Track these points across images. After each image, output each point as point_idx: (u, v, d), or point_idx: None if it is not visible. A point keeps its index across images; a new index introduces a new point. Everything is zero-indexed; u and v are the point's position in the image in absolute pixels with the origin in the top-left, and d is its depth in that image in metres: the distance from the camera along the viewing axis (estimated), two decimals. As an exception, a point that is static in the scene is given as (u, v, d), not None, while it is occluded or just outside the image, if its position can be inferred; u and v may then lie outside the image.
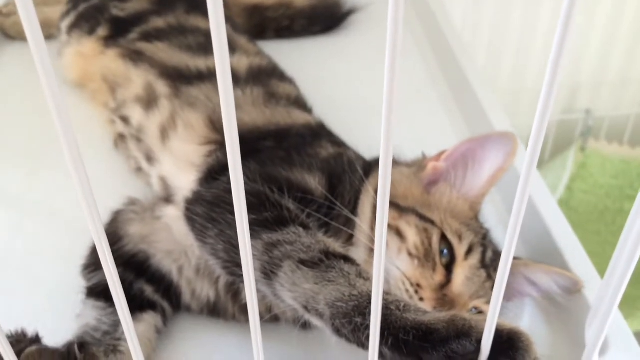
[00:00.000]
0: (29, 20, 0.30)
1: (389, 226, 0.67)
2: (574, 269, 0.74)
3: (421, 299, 0.62)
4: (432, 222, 0.67)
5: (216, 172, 0.71)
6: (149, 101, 0.89)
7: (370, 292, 0.51)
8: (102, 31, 1.10)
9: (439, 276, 0.64)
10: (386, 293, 0.53)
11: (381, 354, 0.50)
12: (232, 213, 0.62)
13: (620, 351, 0.65)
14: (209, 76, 0.90)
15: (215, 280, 0.72)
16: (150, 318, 0.70)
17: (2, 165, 1.01)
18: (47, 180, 0.97)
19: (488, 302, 0.68)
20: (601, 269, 1.80)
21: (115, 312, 0.69)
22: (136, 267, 0.73)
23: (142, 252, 0.74)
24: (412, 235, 0.65)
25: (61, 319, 0.72)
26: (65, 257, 0.79)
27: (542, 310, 0.77)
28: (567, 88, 1.88)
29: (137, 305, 0.70)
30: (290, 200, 0.65)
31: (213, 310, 0.73)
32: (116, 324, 0.68)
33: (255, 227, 0.60)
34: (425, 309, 0.52)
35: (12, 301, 0.78)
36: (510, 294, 0.75)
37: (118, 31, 1.08)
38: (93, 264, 0.74)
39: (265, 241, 0.59)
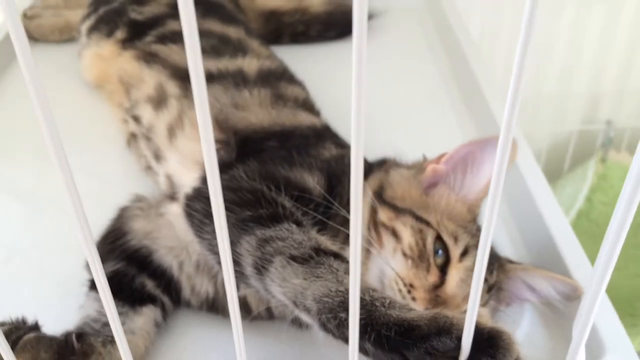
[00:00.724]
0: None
1: (385, 226, 0.68)
2: (574, 275, 0.74)
3: (413, 299, 0.62)
4: (427, 223, 0.67)
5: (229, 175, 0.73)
6: (159, 101, 0.91)
7: (361, 289, 0.52)
8: (120, 34, 1.12)
9: (433, 277, 0.64)
10: (373, 290, 0.53)
11: (365, 350, 0.50)
12: (230, 210, 0.64)
13: (616, 355, 0.64)
14: (218, 77, 0.92)
15: (214, 276, 0.73)
16: (149, 312, 0.71)
17: (19, 162, 1.04)
18: (57, 178, 0.99)
19: (484, 305, 0.67)
20: (623, 284, 1.76)
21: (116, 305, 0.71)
22: (139, 262, 0.75)
23: (145, 247, 0.75)
24: (407, 235, 0.66)
25: (67, 311, 0.74)
26: (73, 251, 0.80)
27: (542, 316, 0.76)
28: (588, 98, 1.86)
29: (138, 298, 0.72)
30: (286, 198, 0.66)
31: (212, 306, 0.74)
32: (116, 316, 0.69)
33: (250, 223, 0.61)
34: (412, 307, 0.52)
35: (19, 292, 0.81)
36: (509, 299, 0.74)
37: (135, 34, 1.10)
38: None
39: (259, 237, 0.60)
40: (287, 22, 1.34)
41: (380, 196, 0.71)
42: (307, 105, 0.94)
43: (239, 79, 0.91)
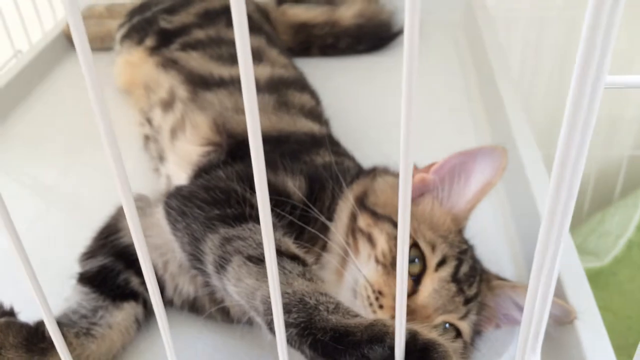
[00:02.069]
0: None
1: (362, 232, 0.66)
2: (570, 297, 0.69)
3: (381, 307, 0.60)
4: None
5: (204, 172, 0.73)
6: (167, 104, 0.93)
7: (308, 292, 0.51)
8: (149, 41, 1.16)
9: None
10: (323, 294, 0.52)
11: (305, 353, 0.49)
12: (200, 208, 0.64)
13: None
14: (228, 83, 0.93)
15: (195, 276, 0.73)
16: (130, 308, 0.72)
17: (43, 158, 1.09)
18: (78, 176, 1.03)
19: (462, 318, 0.64)
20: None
21: (96, 298, 0.72)
22: (127, 259, 0.76)
23: (133, 244, 0.76)
24: (382, 242, 0.64)
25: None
26: (79, 247, 0.83)
27: (535, 340, 0.71)
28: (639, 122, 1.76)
29: (120, 294, 0.73)
30: None
31: (193, 306, 0.74)
32: (95, 309, 0.70)
33: (216, 221, 0.61)
34: (357, 314, 0.50)
35: (21, 282, 0.83)
36: (497, 319, 0.71)
37: (163, 42, 1.14)
38: (89, 252, 0.77)
39: (222, 235, 0.59)
40: (317, 34, 1.35)
41: (362, 202, 0.69)
42: (313, 114, 0.93)
43: None
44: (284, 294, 0.51)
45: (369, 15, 1.37)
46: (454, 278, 0.63)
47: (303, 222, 0.67)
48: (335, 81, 1.29)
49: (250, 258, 0.56)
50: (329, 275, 0.67)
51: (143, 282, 0.75)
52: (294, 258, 0.56)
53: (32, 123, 1.20)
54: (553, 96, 1.72)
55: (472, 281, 0.65)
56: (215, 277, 0.59)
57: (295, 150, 0.79)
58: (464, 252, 0.66)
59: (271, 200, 0.66)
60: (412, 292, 0.62)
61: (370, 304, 0.61)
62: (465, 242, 0.69)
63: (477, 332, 0.69)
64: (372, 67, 1.35)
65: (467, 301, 0.64)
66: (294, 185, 0.69)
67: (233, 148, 0.79)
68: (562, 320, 0.67)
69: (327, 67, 1.34)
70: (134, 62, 1.17)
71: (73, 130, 1.16)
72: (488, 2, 1.46)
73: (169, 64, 1.03)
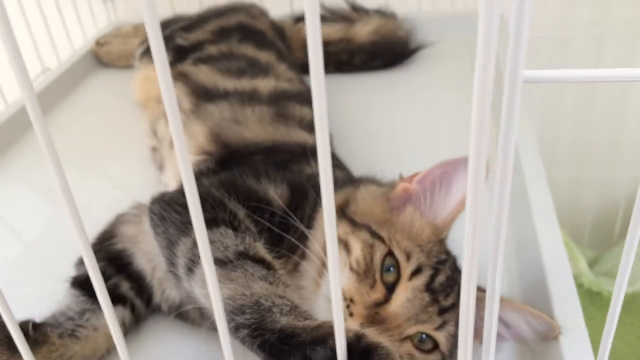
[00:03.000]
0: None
1: (340, 240, 0.66)
2: (557, 312, 0.67)
3: (351, 315, 0.60)
4: (380, 239, 0.64)
5: None
6: (170, 115, 0.95)
7: (266, 294, 0.51)
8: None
9: (377, 294, 0.62)
10: (280, 297, 0.52)
11: (257, 354, 0.49)
12: (178, 213, 0.66)
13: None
14: (230, 95, 0.95)
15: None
16: (117, 311, 0.74)
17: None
18: (88, 185, 1.07)
19: (438, 329, 0.63)
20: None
21: (85, 301, 0.74)
22: (119, 264, 0.77)
23: (127, 250, 0.78)
24: (357, 250, 0.64)
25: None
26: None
27: (520, 358, 0.69)
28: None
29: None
30: (239, 205, 0.66)
31: (179, 313, 0.75)
32: (83, 312, 0.72)
33: (190, 225, 0.62)
34: (311, 317, 0.50)
35: (27, 285, 0.86)
36: (480, 333, 0.69)
37: (178, 57, 1.18)
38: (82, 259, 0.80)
39: (193, 239, 0.60)
40: (332, 51, 1.36)
41: (343, 211, 0.69)
42: (312, 126, 0.94)
43: (249, 97, 0.94)
44: (241, 295, 0.52)
45: (385, 32, 1.38)
46: (428, 287, 0.62)
47: (283, 229, 0.67)
48: (350, 97, 1.30)
49: (216, 261, 0.57)
50: (306, 282, 0.67)
51: (132, 287, 0.77)
52: (260, 262, 0.57)
53: (54, 135, 1.24)
54: (578, 113, 1.68)
55: (449, 291, 0.64)
56: (185, 280, 0.60)
57: (286, 159, 0.79)
58: (442, 262, 0.65)
59: (250, 206, 0.67)
60: (385, 300, 0.62)
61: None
62: (447, 252, 0.68)
63: (458, 345, 0.68)
64: (386, 84, 1.35)
65: (442, 311, 0.63)
66: (276, 193, 0.70)
67: (225, 157, 0.80)
68: (545, 335, 0.65)
69: (341, 84, 1.35)
70: (150, 77, 1.20)
71: (90, 144, 1.20)
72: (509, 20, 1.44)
73: (179, 77, 1.06)
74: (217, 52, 1.14)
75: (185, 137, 0.84)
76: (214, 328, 0.64)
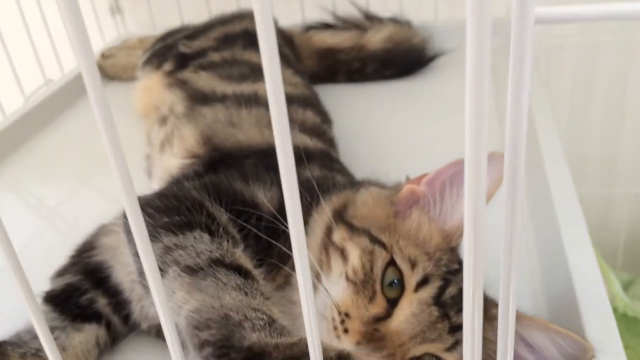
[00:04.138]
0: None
1: (336, 246, 0.58)
2: (589, 333, 0.58)
3: (345, 331, 0.51)
4: (382, 245, 0.56)
5: (174, 182, 0.68)
6: (164, 119, 0.89)
7: (237, 306, 0.44)
8: (167, 66, 1.15)
9: (377, 307, 0.53)
10: (255, 310, 0.44)
11: None
12: (150, 217, 0.58)
13: None
14: (228, 99, 0.89)
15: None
16: (91, 330, 0.66)
17: (53, 180, 1.07)
18: (82, 200, 1.01)
19: (449, 350, 0.54)
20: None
21: (55, 318, 0.67)
22: (96, 277, 0.70)
23: (106, 262, 0.71)
24: (354, 257, 0.55)
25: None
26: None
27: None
28: None
29: (81, 315, 0.67)
30: (222, 209, 0.59)
31: (160, 331, 0.67)
32: (51, 329, 0.64)
33: (161, 230, 0.55)
34: (289, 333, 0.42)
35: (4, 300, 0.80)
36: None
37: (180, 65, 1.12)
38: (60, 270, 0.73)
39: (164, 244, 0.53)
40: (343, 59, 1.29)
41: (340, 216, 0.61)
42: (314, 130, 0.87)
43: (246, 100, 0.87)
44: (209, 307, 0.44)
45: (399, 39, 1.31)
46: (437, 301, 0.54)
47: (273, 237, 0.60)
48: (361, 107, 1.23)
49: (186, 269, 0.49)
50: (299, 297, 0.58)
51: (110, 303, 0.69)
52: (236, 270, 0.49)
53: (51, 147, 1.20)
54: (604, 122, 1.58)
55: (461, 307, 0.55)
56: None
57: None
58: (453, 272, 0.57)
59: (235, 210, 0.60)
60: (386, 315, 0.53)
61: (335, 328, 0.52)
62: (459, 261, 0.59)
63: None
64: (400, 93, 1.28)
65: (453, 329, 0.54)
66: (265, 197, 0.62)
67: (215, 161, 0.73)
68: (577, 359, 0.55)
69: (353, 93, 1.28)
70: (150, 87, 1.15)
71: (89, 156, 1.15)
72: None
73: (177, 84, 1.01)
74: (219, 59, 1.09)
75: (176, 140, 0.77)
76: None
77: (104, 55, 1.44)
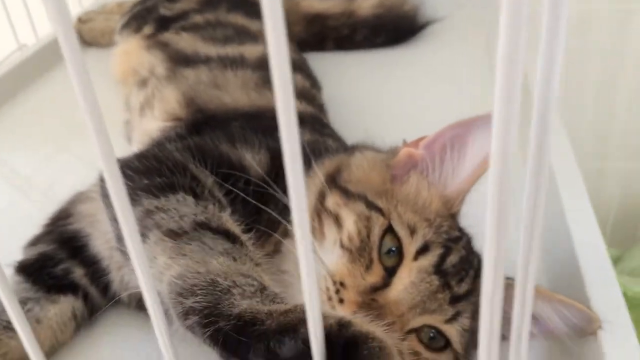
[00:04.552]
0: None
1: (329, 212, 0.54)
2: (594, 303, 0.55)
3: (341, 301, 0.48)
4: (379, 210, 0.52)
5: (155, 144, 0.63)
6: (144, 82, 0.84)
7: (225, 272, 0.40)
8: (147, 29, 1.09)
9: (374, 276, 0.50)
10: (245, 276, 0.41)
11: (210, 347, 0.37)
12: (130, 179, 0.54)
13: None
14: (212, 61, 0.84)
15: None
16: (67, 302, 0.62)
17: (26, 148, 1.02)
18: (59, 167, 0.96)
19: (449, 322, 0.51)
20: None
21: (27, 289, 0.63)
22: (72, 246, 0.66)
23: (82, 230, 0.67)
24: (349, 223, 0.52)
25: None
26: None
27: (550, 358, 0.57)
28: None
29: (57, 285, 0.63)
30: (207, 172, 0.55)
31: (141, 303, 0.63)
32: (24, 301, 0.60)
33: (141, 192, 0.51)
34: (281, 299, 0.38)
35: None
36: (503, 330, 0.56)
37: (160, 28, 1.07)
38: (34, 239, 0.68)
39: (145, 207, 0.49)
40: (332, 25, 1.24)
41: (334, 180, 0.57)
42: (304, 95, 0.83)
43: (232, 62, 0.82)
44: (194, 273, 0.41)
45: (390, 5, 1.26)
46: (438, 269, 0.50)
47: (262, 201, 0.56)
48: (351, 76, 1.18)
49: (169, 232, 0.46)
50: (289, 266, 0.55)
51: (87, 273, 0.65)
52: (223, 234, 0.45)
53: (25, 114, 1.14)
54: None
55: (464, 275, 0.52)
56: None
57: (270, 126, 0.67)
58: (454, 240, 0.53)
59: (221, 173, 0.56)
60: (384, 284, 0.50)
61: (329, 298, 0.49)
62: (459, 229, 0.56)
63: (474, 343, 0.56)
64: (391, 62, 1.24)
65: (455, 299, 0.51)
66: (253, 160, 0.58)
67: (199, 124, 0.69)
68: (582, 330, 0.53)
69: (342, 62, 1.24)
70: (129, 51, 1.09)
71: (66, 123, 1.09)
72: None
73: (157, 46, 0.96)
74: (202, 21, 1.04)
75: (157, 103, 0.73)
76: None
77: (81, 20, 1.38)
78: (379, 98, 1.11)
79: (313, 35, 1.25)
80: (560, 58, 0.26)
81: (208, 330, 0.36)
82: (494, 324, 0.31)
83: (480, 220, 0.59)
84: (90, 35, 1.37)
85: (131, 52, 1.08)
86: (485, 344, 0.31)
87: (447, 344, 0.52)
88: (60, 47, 0.27)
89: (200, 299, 0.38)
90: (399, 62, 1.23)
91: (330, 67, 1.19)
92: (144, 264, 0.32)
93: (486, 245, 0.29)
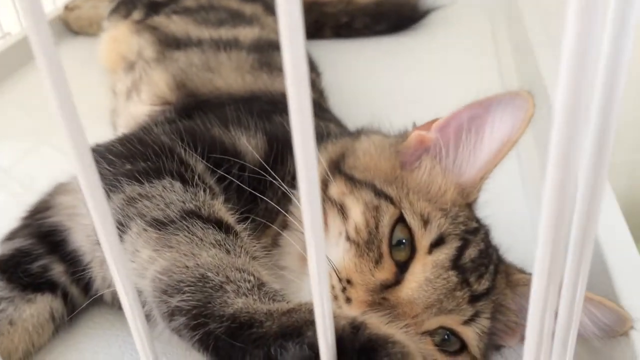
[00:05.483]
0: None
1: (333, 202, 0.49)
2: (624, 300, 0.50)
3: (348, 300, 0.43)
4: (388, 199, 0.47)
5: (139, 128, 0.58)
6: (131, 65, 0.79)
7: (218, 266, 0.34)
8: (136, 14, 1.04)
9: (384, 272, 0.45)
10: (240, 270, 0.35)
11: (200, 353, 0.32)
12: (111, 164, 0.49)
13: None
14: (207, 43, 0.79)
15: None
16: (45, 301, 0.57)
17: (5, 139, 0.97)
18: (40, 160, 0.90)
19: (467, 323, 0.46)
20: None
21: (1, 288, 0.57)
22: (51, 241, 0.61)
23: (62, 224, 0.62)
24: (356, 213, 0.47)
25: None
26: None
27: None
28: None
29: (33, 283, 0.57)
30: (198, 157, 0.49)
31: (124, 302, 0.58)
32: (-2, 300, 0.55)
33: (123, 178, 0.45)
34: (282, 297, 0.33)
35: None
36: (521, 329, 0.52)
37: (150, 13, 1.02)
38: (10, 233, 0.63)
39: (127, 195, 0.44)
40: (329, 12, 1.19)
41: (338, 166, 0.52)
42: None
43: (225, 45, 0.77)
44: (181, 267, 0.35)
45: (390, -9, 1.21)
46: (455, 264, 0.45)
47: (258, 190, 0.50)
48: (350, 65, 1.13)
49: (153, 222, 0.40)
50: (289, 260, 0.50)
51: (67, 271, 0.60)
52: (216, 224, 0.40)
53: (8, 103, 1.09)
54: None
55: (483, 272, 0.47)
56: None
57: (267, 110, 0.63)
58: (472, 232, 0.48)
59: (213, 159, 0.50)
60: (396, 281, 0.45)
61: (335, 297, 0.44)
62: (476, 220, 0.51)
63: (493, 345, 0.51)
64: (391, 50, 1.19)
65: (474, 298, 0.46)
66: (249, 144, 0.53)
67: (189, 107, 0.64)
68: (613, 330, 0.48)
69: (341, 50, 1.18)
70: (118, 37, 1.04)
71: (50, 114, 1.03)
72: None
73: (147, 29, 0.90)
74: (194, 4, 0.98)
75: (145, 86, 0.68)
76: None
77: (68, 8, 1.32)
78: (382, 86, 1.06)
79: (310, 23, 1.19)
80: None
81: (197, 334, 0.31)
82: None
83: (498, 211, 0.54)
84: (77, 24, 1.31)
85: (120, 38, 1.03)
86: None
87: (462, 347, 0.47)
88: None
89: (187, 297, 0.33)
90: (401, 50, 1.18)
91: (328, 55, 1.14)
92: (120, 260, 0.26)
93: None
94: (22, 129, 1.00)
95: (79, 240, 0.60)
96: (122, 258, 0.27)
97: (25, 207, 0.68)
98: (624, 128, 1.50)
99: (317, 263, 0.24)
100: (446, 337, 0.46)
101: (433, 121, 0.54)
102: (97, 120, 0.98)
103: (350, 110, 0.95)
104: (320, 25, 1.20)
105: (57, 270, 0.59)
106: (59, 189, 0.66)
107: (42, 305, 0.57)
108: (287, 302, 0.33)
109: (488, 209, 0.54)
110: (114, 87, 0.86)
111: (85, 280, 0.59)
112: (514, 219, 0.68)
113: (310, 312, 0.27)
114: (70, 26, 1.32)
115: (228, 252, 0.38)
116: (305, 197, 0.23)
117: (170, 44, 0.81)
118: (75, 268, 0.59)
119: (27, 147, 0.93)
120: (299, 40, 0.21)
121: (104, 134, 0.91)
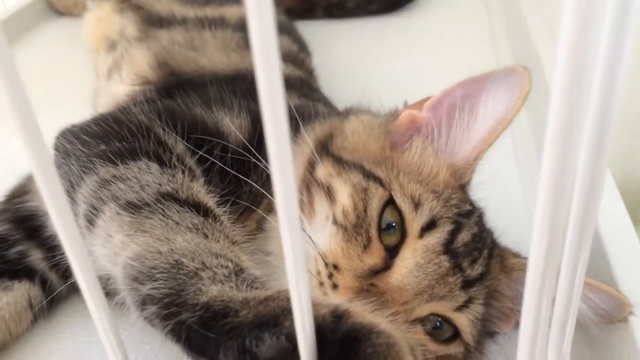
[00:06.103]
0: None
1: (320, 184, 0.47)
2: (623, 285, 0.48)
3: (334, 287, 0.41)
4: (378, 180, 0.45)
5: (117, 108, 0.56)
6: (113, 45, 0.76)
7: (193, 251, 0.32)
8: (123, -7, 1.01)
9: (373, 257, 0.43)
10: (217, 256, 0.33)
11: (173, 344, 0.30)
12: (85, 144, 0.46)
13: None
14: (193, 22, 0.76)
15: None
16: (22, 289, 0.55)
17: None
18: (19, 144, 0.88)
19: (460, 309, 0.44)
20: None
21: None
22: (29, 227, 0.58)
23: (40, 209, 0.59)
24: (344, 196, 0.44)
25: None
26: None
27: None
28: None
29: (9, 270, 0.55)
30: (178, 137, 0.47)
31: (106, 288, 0.56)
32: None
33: (96, 159, 0.43)
34: (262, 285, 0.31)
35: None
36: (516, 315, 0.50)
37: (135, -8, 0.98)
38: None
39: (100, 177, 0.42)
40: (320, -8, 1.16)
41: (325, 147, 0.50)
42: (291, 58, 0.76)
43: (210, 23, 0.75)
44: (154, 253, 0.33)
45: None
46: (448, 249, 0.43)
47: (242, 172, 0.48)
48: (342, 46, 1.10)
49: (126, 206, 0.38)
50: (275, 246, 0.48)
51: (46, 257, 0.57)
52: (193, 207, 0.38)
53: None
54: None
55: (477, 256, 0.45)
56: (87, 235, 0.40)
57: (252, 89, 0.60)
58: (465, 215, 0.46)
59: (194, 139, 0.48)
60: (385, 266, 0.43)
61: (321, 284, 0.42)
62: (470, 202, 0.49)
63: (487, 332, 0.49)
64: (385, 30, 1.16)
65: (467, 284, 0.44)
66: (233, 124, 0.50)
67: (171, 86, 0.61)
68: (611, 316, 0.46)
69: (332, 31, 1.16)
70: (102, 17, 1.01)
71: (33, 96, 1.00)
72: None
73: (130, 8, 0.87)
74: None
75: (126, 66, 0.65)
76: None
77: (53, -13, 1.28)
78: (374, 67, 1.04)
79: (301, 2, 1.16)
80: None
81: (169, 324, 0.29)
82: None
83: (492, 193, 0.52)
84: (62, 5, 1.28)
85: (103, 17, 1.00)
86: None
87: (455, 334, 0.46)
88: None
89: (160, 284, 0.31)
90: (394, 30, 1.15)
91: (319, 36, 1.11)
92: (78, 247, 0.24)
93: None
94: (2, 112, 0.97)
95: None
96: (82, 249, 0.25)
97: (2, 191, 0.66)
98: (620, 113, 1.48)
99: (292, 244, 0.22)
100: (438, 324, 0.44)
101: (425, 100, 0.51)
102: (82, 102, 0.96)
103: (342, 91, 0.93)
104: (311, 5, 1.17)
105: (35, 257, 0.57)
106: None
107: (20, 293, 0.55)
108: (266, 290, 0.31)
109: (482, 191, 0.52)
110: (96, 67, 0.84)
111: (64, 267, 0.57)
112: (509, 201, 0.66)
113: (289, 299, 0.25)
114: (55, 6, 1.28)
115: (206, 236, 0.36)
116: (277, 176, 0.21)
117: (154, 22, 0.78)
118: (54, 254, 0.57)
119: (6, 131, 0.91)
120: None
121: (86, 111, 0.89)
